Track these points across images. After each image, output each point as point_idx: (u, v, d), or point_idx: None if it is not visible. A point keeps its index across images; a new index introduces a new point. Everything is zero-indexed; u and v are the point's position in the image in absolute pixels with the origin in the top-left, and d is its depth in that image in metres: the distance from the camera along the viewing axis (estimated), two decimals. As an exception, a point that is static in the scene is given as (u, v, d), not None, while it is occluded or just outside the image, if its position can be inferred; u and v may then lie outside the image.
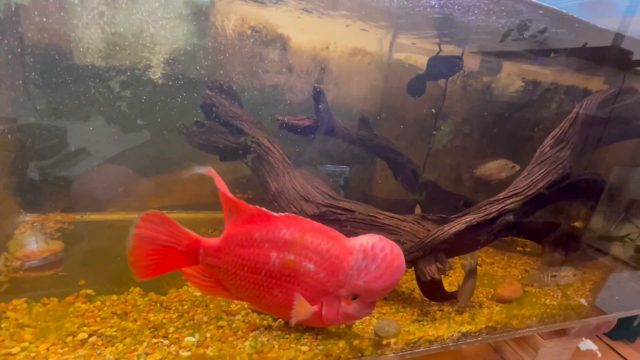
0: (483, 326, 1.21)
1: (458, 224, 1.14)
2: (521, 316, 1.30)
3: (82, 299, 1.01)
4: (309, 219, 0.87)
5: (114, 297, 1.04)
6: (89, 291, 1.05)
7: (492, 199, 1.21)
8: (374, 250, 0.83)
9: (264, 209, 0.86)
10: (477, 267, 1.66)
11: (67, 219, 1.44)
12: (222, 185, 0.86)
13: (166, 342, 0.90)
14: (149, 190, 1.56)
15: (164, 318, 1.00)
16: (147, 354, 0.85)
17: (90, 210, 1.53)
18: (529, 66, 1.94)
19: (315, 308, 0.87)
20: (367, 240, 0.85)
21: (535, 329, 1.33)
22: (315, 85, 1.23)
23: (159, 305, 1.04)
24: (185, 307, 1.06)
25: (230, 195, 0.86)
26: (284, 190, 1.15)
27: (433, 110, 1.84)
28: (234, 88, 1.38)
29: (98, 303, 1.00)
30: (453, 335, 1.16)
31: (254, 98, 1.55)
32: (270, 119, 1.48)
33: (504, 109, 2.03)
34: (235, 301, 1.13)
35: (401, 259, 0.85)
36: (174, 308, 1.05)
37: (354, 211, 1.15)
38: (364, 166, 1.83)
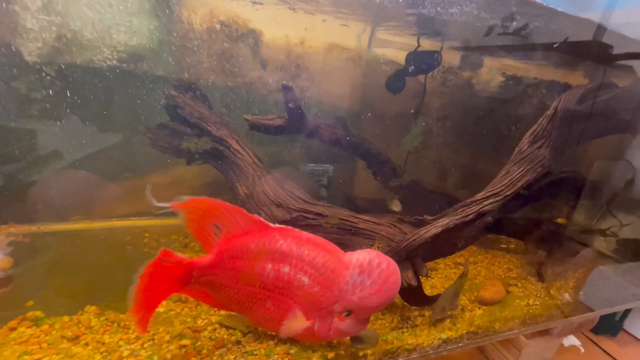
0: (464, 332, 1.17)
1: (434, 227, 1.09)
2: (503, 319, 1.27)
3: (28, 322, 0.92)
4: (305, 233, 0.83)
5: (65, 318, 0.95)
6: (38, 313, 0.95)
7: (469, 200, 1.16)
8: (370, 266, 0.80)
9: (261, 218, 0.82)
10: (460, 267, 1.63)
11: (21, 230, 1.33)
12: (215, 202, 0.80)
13: (119, 368, 0.82)
14: (115, 196, 1.46)
15: (120, 339, 0.92)
16: None
17: (49, 220, 1.43)
18: (510, 61, 1.90)
19: (308, 323, 0.83)
20: (364, 256, 0.82)
21: (517, 331, 1.30)
22: (284, 82, 1.16)
23: (116, 325, 0.96)
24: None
25: (229, 204, 0.80)
26: (254, 194, 1.08)
27: (412, 111, 1.80)
28: (202, 87, 1.29)
29: (45, 327, 0.91)
30: (433, 342, 1.12)
31: (225, 97, 1.47)
32: (242, 120, 1.40)
33: (485, 104, 2.00)
34: (203, 316, 1.06)
35: (397, 276, 0.82)
36: (132, 327, 0.97)
37: (326, 215, 1.09)
38: (344, 165, 1.77)
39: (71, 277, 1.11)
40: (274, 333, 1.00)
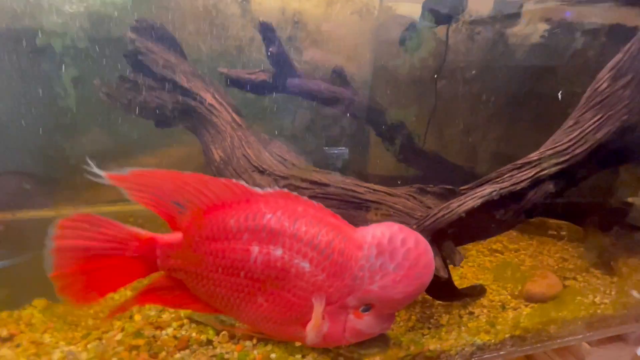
0: (507, 335, 0.89)
1: (472, 199, 0.80)
2: (561, 320, 0.96)
3: None
4: (305, 199, 0.63)
5: (4, 314, 0.80)
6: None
7: (520, 162, 0.85)
8: (392, 244, 0.62)
9: (243, 183, 0.62)
10: (496, 254, 1.33)
11: (-6, 217, 1.23)
12: (164, 175, 0.61)
13: (43, 374, 0.65)
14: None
15: (64, 339, 0.75)
16: None
17: (31, 207, 1.32)
18: (557, 1, 1.54)
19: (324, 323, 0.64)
20: (382, 231, 0.63)
21: (580, 337, 0.99)
22: (261, 19, 0.93)
23: (61, 321, 0.80)
24: (99, 321, 0.81)
25: (185, 174, 0.61)
26: (232, 159, 0.87)
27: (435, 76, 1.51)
28: (173, 34, 1.07)
29: None
30: (464, 349, 0.85)
31: (213, 64, 1.27)
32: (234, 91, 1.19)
33: (524, 61, 1.65)
34: (170, 309, 0.87)
35: (429, 256, 0.63)
36: (82, 323, 0.80)
37: (325, 184, 0.85)
38: (354, 139, 1.52)
39: (16, 269, 0.96)
40: (278, 340, 0.80)
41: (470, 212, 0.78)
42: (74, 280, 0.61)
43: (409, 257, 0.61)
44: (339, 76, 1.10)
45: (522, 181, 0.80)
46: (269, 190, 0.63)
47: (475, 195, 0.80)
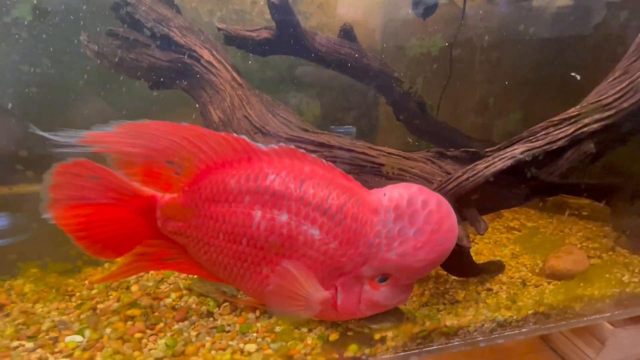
0: (530, 312, 0.82)
1: (501, 160, 0.72)
2: (588, 298, 0.89)
3: None
4: (313, 157, 0.57)
5: None
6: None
7: (556, 118, 0.76)
8: (411, 207, 0.56)
9: (245, 138, 0.57)
10: (513, 232, 1.26)
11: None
12: (158, 127, 0.55)
13: (31, 344, 0.61)
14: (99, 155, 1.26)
15: (56, 309, 0.71)
16: None
17: (26, 181, 1.28)
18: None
19: (327, 294, 0.58)
20: (400, 192, 0.57)
21: (608, 315, 0.92)
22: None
23: (54, 291, 0.75)
24: (94, 291, 0.77)
25: (182, 126, 0.55)
26: (233, 120, 0.80)
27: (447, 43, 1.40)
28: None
29: None
30: (484, 325, 0.79)
31: (212, 28, 1.19)
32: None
33: (547, 29, 1.52)
34: (170, 279, 0.82)
35: (453, 220, 0.57)
36: (77, 294, 0.76)
37: (333, 146, 0.78)
38: (362, 111, 1.44)
39: (27, 240, 0.92)
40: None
41: (499, 175, 0.69)
42: (79, 228, 0.59)
43: (431, 221, 0.55)
44: (347, 35, 1.01)
45: (558, 139, 0.72)
46: (273, 147, 0.57)
47: (505, 155, 0.71)
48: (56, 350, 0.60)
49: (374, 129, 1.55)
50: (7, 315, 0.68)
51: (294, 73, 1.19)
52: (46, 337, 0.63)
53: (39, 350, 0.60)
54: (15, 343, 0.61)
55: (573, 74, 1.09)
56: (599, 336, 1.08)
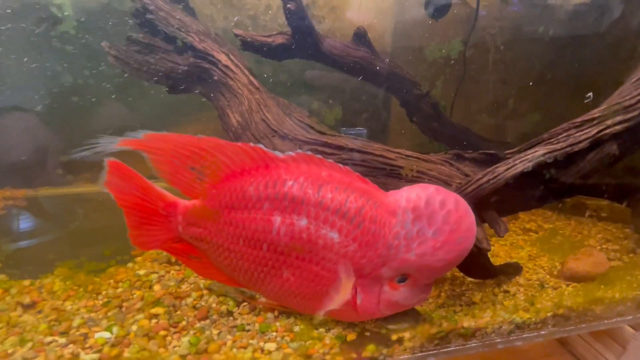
0: (549, 314, 0.81)
1: (521, 163, 0.72)
2: (608, 300, 0.88)
3: None
4: (330, 162, 0.59)
5: (26, 282, 0.80)
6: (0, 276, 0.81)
7: (578, 119, 0.75)
8: (430, 207, 0.56)
9: (261, 146, 0.58)
10: (530, 234, 1.24)
11: (17, 194, 1.25)
12: (181, 139, 0.59)
13: (63, 340, 0.63)
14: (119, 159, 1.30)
15: (84, 306, 0.74)
16: (26, 359, 0.59)
17: (50, 184, 1.33)
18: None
19: (349, 294, 0.59)
20: (417, 193, 0.58)
21: (630, 317, 0.90)
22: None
23: (82, 290, 0.78)
24: (119, 290, 0.80)
25: (202, 139, 0.58)
26: (251, 124, 0.82)
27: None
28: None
29: None
30: (502, 327, 0.78)
31: (227, 33, 1.21)
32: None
33: (565, 28, 1.50)
34: (190, 279, 0.85)
35: (471, 219, 0.58)
36: (103, 292, 0.79)
37: (350, 149, 0.79)
38: (373, 114, 1.44)
39: (53, 241, 0.97)
40: (304, 313, 0.76)
41: (519, 177, 0.69)
42: (126, 205, 0.62)
43: (449, 221, 0.56)
44: (361, 39, 1.02)
45: (580, 141, 0.71)
46: (290, 154, 0.58)
47: (526, 158, 0.71)
48: (87, 345, 0.63)
49: (385, 131, 1.55)
50: (40, 312, 0.71)
51: (304, 77, 1.21)
52: (77, 333, 0.66)
53: (70, 345, 0.63)
54: (49, 338, 0.64)
55: (589, 94, 1.07)
56: (619, 340, 1.05)
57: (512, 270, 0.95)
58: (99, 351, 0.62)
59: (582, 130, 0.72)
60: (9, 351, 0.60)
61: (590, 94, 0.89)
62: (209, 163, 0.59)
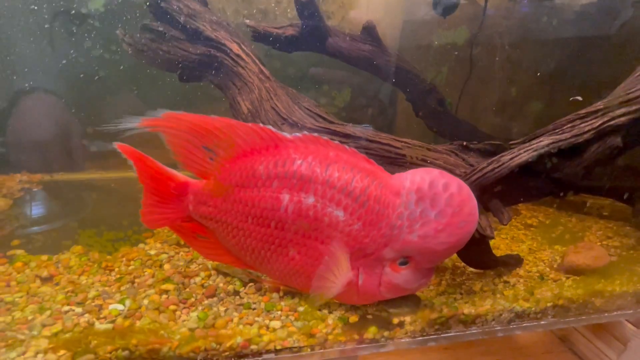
0: (549, 304, 0.83)
1: (526, 152, 0.73)
2: (608, 293, 0.89)
3: (2, 260, 0.82)
4: (336, 143, 0.61)
5: (44, 257, 0.83)
6: (19, 252, 0.85)
7: (584, 111, 0.77)
8: (433, 189, 0.58)
9: (270, 127, 0.61)
10: (531, 229, 1.25)
11: (33, 179, 1.29)
12: (197, 118, 0.61)
13: (80, 310, 0.67)
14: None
15: (98, 281, 0.77)
16: (44, 325, 0.62)
17: (64, 170, 1.37)
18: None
19: (351, 275, 0.61)
20: (422, 176, 0.59)
21: (631, 312, 0.91)
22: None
23: (96, 265, 0.82)
24: (131, 267, 0.83)
25: (216, 119, 0.61)
26: (260, 111, 0.84)
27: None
28: None
29: (19, 264, 0.80)
30: (502, 315, 0.80)
31: (238, 27, 1.24)
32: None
33: (573, 26, 1.50)
34: (199, 260, 0.87)
35: (473, 203, 0.59)
36: (116, 269, 0.82)
37: (359, 137, 0.81)
38: (379, 108, 1.46)
39: (68, 222, 1.00)
40: (307, 293, 0.78)
41: (524, 167, 0.71)
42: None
43: (452, 204, 0.57)
44: (369, 33, 1.04)
45: (584, 132, 0.72)
46: (298, 135, 0.61)
47: (531, 147, 0.73)
48: (101, 316, 0.66)
49: (391, 127, 1.57)
50: (57, 284, 0.75)
51: (309, 72, 1.24)
52: (92, 304, 0.69)
53: (86, 315, 0.66)
54: (66, 308, 0.67)
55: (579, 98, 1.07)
56: (620, 337, 1.06)
57: (513, 261, 0.97)
58: (113, 322, 0.65)
59: (586, 122, 0.74)
60: (29, 318, 0.64)
61: (580, 97, 0.91)
62: (221, 142, 0.62)
